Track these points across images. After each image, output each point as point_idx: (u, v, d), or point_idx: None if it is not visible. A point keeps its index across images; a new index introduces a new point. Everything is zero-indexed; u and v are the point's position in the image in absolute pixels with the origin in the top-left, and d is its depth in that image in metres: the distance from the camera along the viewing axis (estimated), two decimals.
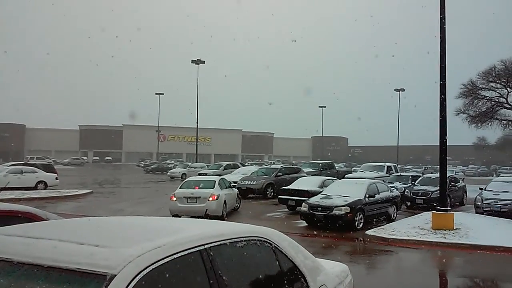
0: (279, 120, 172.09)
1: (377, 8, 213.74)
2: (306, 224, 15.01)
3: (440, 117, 13.92)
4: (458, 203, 21.63)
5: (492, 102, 41.02)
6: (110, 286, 1.93)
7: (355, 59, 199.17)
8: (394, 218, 16.30)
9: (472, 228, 13.51)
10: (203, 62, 51.26)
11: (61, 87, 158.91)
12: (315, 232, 13.94)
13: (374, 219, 15.58)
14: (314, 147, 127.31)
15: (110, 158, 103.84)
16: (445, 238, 12.39)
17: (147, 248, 2.22)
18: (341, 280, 3.86)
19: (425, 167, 63.29)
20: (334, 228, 13.93)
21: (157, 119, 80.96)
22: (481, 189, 18.52)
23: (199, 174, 33.77)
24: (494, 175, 60.09)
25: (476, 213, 17.22)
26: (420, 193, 20.22)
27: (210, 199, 15.36)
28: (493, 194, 17.43)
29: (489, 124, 42.01)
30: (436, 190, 17.27)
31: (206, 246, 2.53)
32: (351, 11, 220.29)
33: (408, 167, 69.96)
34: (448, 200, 16.11)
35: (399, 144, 67.19)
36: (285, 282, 3.12)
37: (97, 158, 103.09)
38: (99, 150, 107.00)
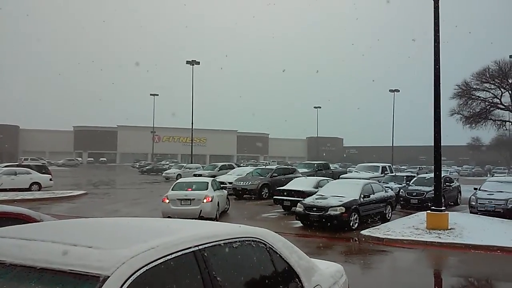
0: (274, 121, 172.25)
1: (374, 8, 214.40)
2: (301, 225, 15.01)
3: (434, 118, 13.96)
4: (452, 203, 21.71)
5: (486, 103, 41.27)
6: (103, 287, 1.92)
7: (352, 59, 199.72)
8: (389, 218, 16.34)
9: (467, 228, 13.56)
10: (198, 63, 51.22)
11: (56, 88, 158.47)
12: (310, 233, 13.95)
13: (369, 219, 15.61)
14: (309, 147, 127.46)
15: (105, 159, 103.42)
16: (440, 238, 12.43)
17: (141, 249, 2.21)
18: (336, 280, 3.87)
19: (419, 167, 63.51)
20: (329, 228, 13.95)
21: (152, 120, 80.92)
22: (475, 189, 18.59)
23: (194, 175, 33.71)
24: (489, 175, 60.38)
25: (471, 213, 17.28)
26: (414, 193, 20.27)
27: (205, 200, 15.12)
28: (487, 194, 17.51)
29: (483, 124, 42.28)
30: (431, 190, 17.34)
31: (200, 247, 2.53)
32: (348, 11, 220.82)
33: (403, 167, 70.19)
34: (443, 200, 16.18)
35: (394, 145, 67.38)
36: (280, 282, 3.11)
37: (92, 159, 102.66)
38: (94, 151, 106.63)
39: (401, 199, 20.33)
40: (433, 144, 14.12)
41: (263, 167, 34.49)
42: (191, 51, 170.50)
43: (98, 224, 3.20)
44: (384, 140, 79.96)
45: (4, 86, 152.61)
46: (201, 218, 14.14)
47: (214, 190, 16.22)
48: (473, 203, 17.49)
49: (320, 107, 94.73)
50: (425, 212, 14.53)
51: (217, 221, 14.91)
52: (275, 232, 3.49)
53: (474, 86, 41.16)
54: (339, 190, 15.58)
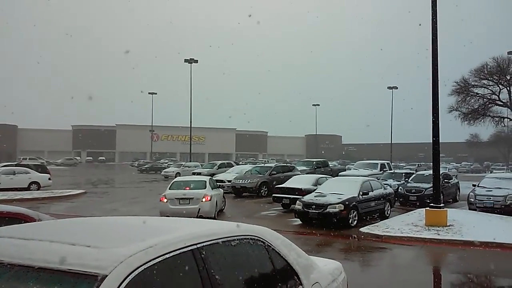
0: (273, 119, 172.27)
1: (371, 7, 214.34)
2: (301, 222, 15.02)
3: (432, 115, 13.96)
4: (451, 200, 21.73)
5: (485, 99, 41.31)
6: (101, 286, 1.92)
7: (351, 56, 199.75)
8: (388, 215, 16.36)
9: (465, 224, 13.57)
10: (196, 61, 51.18)
11: (54, 87, 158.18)
12: (309, 230, 13.95)
13: (368, 217, 15.62)
14: (308, 145, 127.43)
15: (104, 158, 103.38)
16: (439, 234, 12.44)
17: (138, 248, 2.21)
18: (334, 277, 3.87)
19: (418, 164, 63.57)
20: (328, 226, 13.95)
21: (151, 119, 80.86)
22: (474, 185, 18.60)
23: (193, 174, 33.72)
24: (487, 172, 60.44)
25: (469, 209, 17.29)
26: (413, 190, 20.28)
27: (204, 200, 15.02)
28: (486, 191, 17.53)
29: (482, 121, 42.32)
30: (430, 187, 17.33)
31: (198, 246, 2.53)
32: (345, 10, 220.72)
33: (401, 164, 70.24)
34: (441, 197, 16.18)
35: (392, 142, 67.42)
36: (278, 280, 3.12)
37: (91, 158, 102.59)
38: (93, 150, 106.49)
39: (400, 196, 20.35)
40: (431, 141, 14.13)
41: (262, 165, 34.50)
42: (190, 50, 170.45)
43: (96, 223, 3.20)
44: (383, 137, 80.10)
45: (2, 85, 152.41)
46: (199, 217, 14.10)
47: (212, 189, 16.17)
48: (472, 200, 17.51)
49: (318, 105, 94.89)
50: (424, 209, 14.53)
51: (215, 220, 14.89)
52: (274, 230, 3.50)
53: (473, 83, 41.20)
54: (338, 188, 15.59)
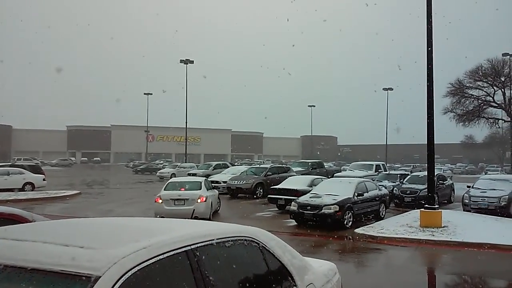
0: (269, 120, 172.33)
1: (368, 7, 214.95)
2: (296, 223, 15.03)
3: (427, 116, 14.00)
4: (446, 201, 21.80)
5: (479, 101, 41.47)
6: (94, 287, 1.91)
7: (346, 57, 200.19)
8: (383, 216, 16.40)
9: (460, 225, 13.62)
10: (192, 62, 51.21)
11: (48, 87, 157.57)
12: (304, 231, 13.97)
13: (363, 218, 15.64)
14: (303, 146, 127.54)
15: (99, 158, 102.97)
16: (433, 235, 12.48)
17: (132, 249, 2.20)
18: (329, 278, 3.88)
19: (413, 166, 63.82)
20: (323, 227, 13.98)
21: (146, 119, 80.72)
22: (468, 187, 18.67)
23: (189, 174, 33.68)
24: (482, 173, 60.71)
25: (464, 210, 17.36)
26: (408, 192, 20.35)
27: (199, 200, 14.99)
28: (481, 192, 17.60)
29: (476, 122, 42.50)
30: (424, 188, 17.40)
31: (192, 247, 2.52)
32: (342, 12, 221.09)
33: (396, 165, 70.43)
34: (436, 198, 16.27)
35: (387, 143, 67.61)
36: (273, 281, 3.12)
37: (85, 158, 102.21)
38: (87, 150, 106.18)
39: (395, 197, 20.40)
40: (426, 142, 14.18)
41: (258, 166, 34.51)
42: (185, 50, 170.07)
43: (90, 224, 3.18)
44: (378, 138, 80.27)
45: None
46: (194, 218, 14.05)
47: (207, 190, 16.14)
48: (466, 201, 17.58)
49: (314, 106, 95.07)
50: (419, 210, 14.58)
51: (210, 221, 14.86)
52: (269, 231, 3.50)
53: (467, 84, 41.35)
54: (333, 189, 15.61)
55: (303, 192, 16.93)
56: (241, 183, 24.36)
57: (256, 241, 3.13)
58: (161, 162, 73.42)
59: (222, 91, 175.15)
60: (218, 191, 19.45)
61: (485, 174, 47.42)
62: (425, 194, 16.35)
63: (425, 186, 15.81)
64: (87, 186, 33.47)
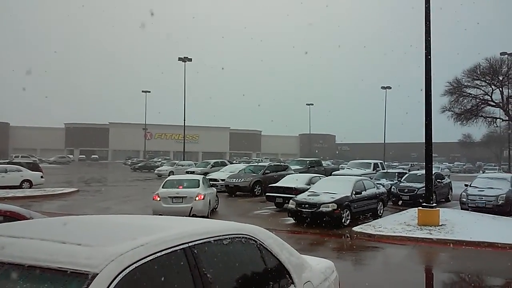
0: (267, 118, 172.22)
1: (366, 7, 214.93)
2: (294, 221, 15.04)
3: (425, 115, 14.01)
4: (443, 200, 21.85)
5: (477, 100, 41.51)
6: (92, 285, 1.92)
7: (344, 56, 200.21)
8: (380, 214, 16.42)
9: (458, 224, 13.65)
10: (190, 59, 51.14)
11: (47, 84, 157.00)
12: (302, 229, 13.99)
13: (361, 216, 15.68)
14: (301, 144, 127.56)
15: (97, 156, 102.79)
16: (431, 234, 12.50)
17: (130, 246, 2.20)
18: (326, 276, 3.88)
19: (411, 164, 63.83)
20: (321, 225, 13.99)
21: (144, 117, 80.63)
22: (466, 185, 18.72)
23: (187, 172, 33.66)
24: (480, 172, 60.83)
25: (462, 209, 17.39)
26: (406, 190, 20.37)
27: (197, 198, 14.96)
28: (478, 191, 17.65)
29: (474, 121, 42.54)
30: (422, 187, 17.42)
31: (190, 244, 2.52)
32: (341, 10, 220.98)
33: (394, 164, 70.54)
34: (434, 196, 16.26)
35: (385, 142, 67.68)
36: (270, 279, 3.12)
37: (83, 156, 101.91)
38: (85, 148, 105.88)
39: (393, 195, 20.42)
40: (424, 141, 14.19)
41: (256, 164, 34.49)
42: (184, 48, 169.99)
43: (88, 222, 3.18)
44: (376, 137, 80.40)
45: None
46: (192, 216, 14.05)
47: (205, 188, 16.12)
48: (464, 200, 17.62)
49: (312, 104, 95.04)
50: (417, 208, 14.60)
51: (208, 218, 14.84)
52: (267, 229, 3.50)
53: (465, 83, 41.37)
54: (331, 187, 15.62)
55: (301, 190, 16.94)
56: (239, 181, 24.35)
57: (254, 239, 3.13)
58: (159, 160, 73.45)
59: (220, 89, 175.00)
60: (216, 189, 19.43)
61: (483, 172, 47.58)
62: (423, 193, 16.37)
63: (423, 184, 15.83)
64: (85, 184, 33.43)
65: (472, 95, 41.56)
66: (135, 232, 2.59)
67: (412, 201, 19.26)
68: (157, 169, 48.05)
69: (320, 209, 14.05)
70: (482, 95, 41.32)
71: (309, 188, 16.77)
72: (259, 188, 23.88)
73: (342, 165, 48.02)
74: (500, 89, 40.26)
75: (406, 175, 23.48)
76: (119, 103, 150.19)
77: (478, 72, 40.46)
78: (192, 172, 33.21)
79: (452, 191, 23.20)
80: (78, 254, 2.08)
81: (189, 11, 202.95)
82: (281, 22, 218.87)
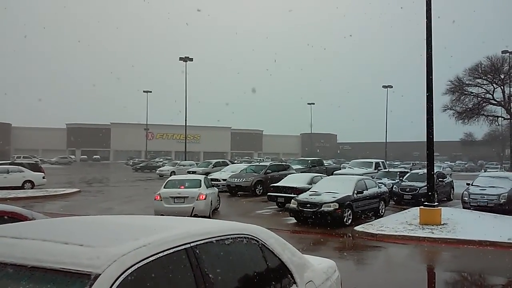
0: (269, 117, 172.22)
1: (367, 5, 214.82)
2: (295, 221, 15.04)
3: (427, 114, 13.99)
4: (445, 199, 21.83)
5: (479, 98, 41.49)
6: (94, 285, 1.92)
7: (345, 55, 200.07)
8: (382, 214, 16.40)
9: (459, 223, 13.63)
10: (191, 59, 51.13)
11: (48, 85, 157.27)
12: (304, 229, 13.99)
13: (363, 215, 15.67)
14: (303, 144, 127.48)
15: (98, 156, 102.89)
16: (433, 233, 12.49)
17: (132, 247, 2.20)
18: (328, 276, 3.88)
19: (413, 163, 63.84)
20: (323, 225, 13.98)
21: (146, 117, 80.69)
22: (468, 184, 18.68)
23: (188, 172, 33.66)
24: (482, 171, 60.73)
25: (463, 208, 17.37)
26: (408, 189, 20.35)
27: (199, 198, 14.94)
28: (480, 189, 17.61)
29: (476, 120, 42.51)
30: (424, 186, 17.40)
31: (192, 244, 2.53)
32: (341, 9, 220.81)
33: (396, 163, 70.47)
34: (436, 195, 16.25)
35: (387, 141, 67.61)
36: (272, 279, 3.12)
37: (85, 156, 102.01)
38: (87, 148, 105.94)
39: (395, 194, 20.40)
40: (426, 140, 14.17)
41: (257, 163, 34.48)
42: (185, 48, 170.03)
43: (90, 222, 3.18)
44: (377, 136, 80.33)
45: None
46: (194, 216, 14.04)
47: (207, 188, 16.12)
48: (466, 199, 17.59)
49: (313, 104, 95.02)
50: (418, 207, 14.58)
51: (210, 218, 14.83)
52: (269, 229, 3.50)
53: (467, 82, 41.37)
54: (332, 186, 15.61)
55: (303, 190, 16.94)
56: (240, 181, 24.34)
57: (255, 238, 3.13)
58: (161, 160, 73.46)
59: (222, 88, 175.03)
60: (218, 189, 19.41)
61: (485, 171, 47.45)
62: (424, 192, 16.34)
63: (425, 183, 15.81)
64: (87, 184, 33.47)
65: (474, 93, 41.54)
66: (137, 232, 2.59)
67: (413, 200, 19.25)
68: (158, 169, 48.05)
69: (322, 208, 14.04)
70: (483, 93, 41.30)
71: (310, 188, 16.76)
72: (261, 187, 23.87)
73: (343, 164, 47.99)
74: (502, 87, 40.24)
75: (408, 174, 23.46)
76: (121, 103, 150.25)
77: (480, 71, 40.45)
78: (194, 172, 33.20)
79: (454, 190, 23.17)
80: (80, 255, 2.09)
81: (192, 11, 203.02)
82: (281, 22, 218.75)
